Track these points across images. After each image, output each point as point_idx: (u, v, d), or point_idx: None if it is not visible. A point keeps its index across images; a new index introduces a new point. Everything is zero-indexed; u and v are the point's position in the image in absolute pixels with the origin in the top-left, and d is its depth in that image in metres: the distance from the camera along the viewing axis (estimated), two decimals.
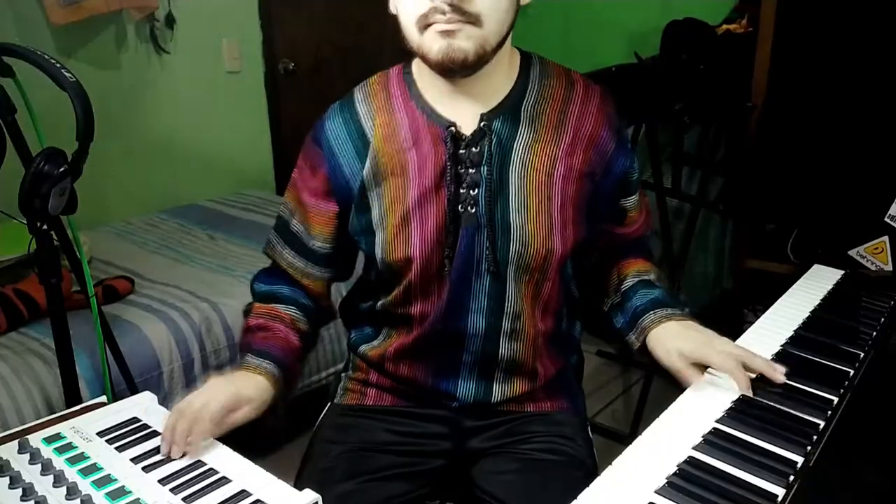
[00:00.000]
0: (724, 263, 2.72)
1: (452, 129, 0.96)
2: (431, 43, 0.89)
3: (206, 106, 2.86)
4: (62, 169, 1.05)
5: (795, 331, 1.07)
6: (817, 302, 1.18)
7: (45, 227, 1.12)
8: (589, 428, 1.16)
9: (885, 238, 1.78)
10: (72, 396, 1.27)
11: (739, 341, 1.03)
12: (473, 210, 0.97)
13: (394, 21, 0.96)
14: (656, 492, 0.72)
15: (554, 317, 1.08)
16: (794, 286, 1.24)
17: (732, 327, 2.31)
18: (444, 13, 0.86)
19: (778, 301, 1.18)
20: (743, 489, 0.72)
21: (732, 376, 0.91)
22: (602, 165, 1.01)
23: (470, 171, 0.97)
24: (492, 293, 1.01)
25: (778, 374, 0.92)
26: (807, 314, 1.13)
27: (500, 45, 0.93)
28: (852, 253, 1.84)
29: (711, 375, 0.95)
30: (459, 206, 0.97)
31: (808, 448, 0.79)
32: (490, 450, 1.09)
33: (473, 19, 0.87)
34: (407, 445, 1.09)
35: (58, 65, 1.09)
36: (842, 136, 1.95)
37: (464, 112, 0.97)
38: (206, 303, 1.88)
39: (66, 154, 1.08)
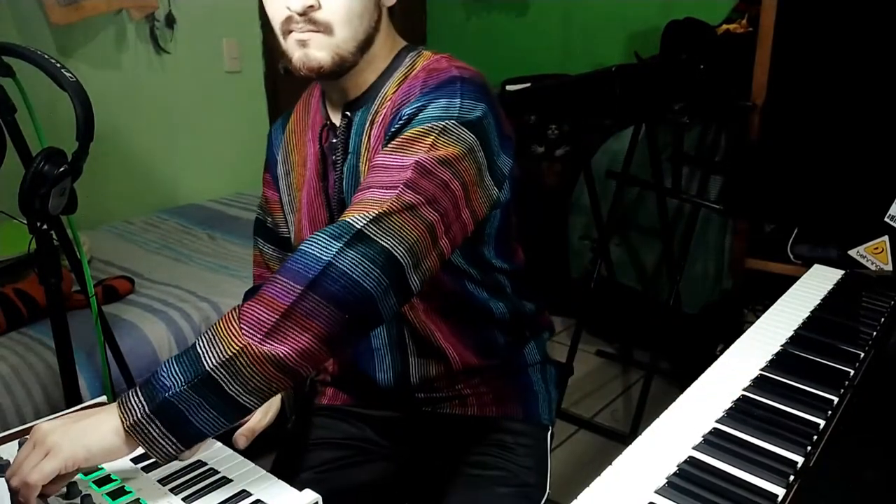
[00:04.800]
0: (724, 263, 2.72)
1: (327, 122, 1.02)
2: (292, 51, 0.91)
3: (206, 106, 2.86)
4: (62, 169, 1.05)
5: (795, 331, 1.07)
6: (817, 302, 1.18)
7: (45, 227, 1.12)
8: (549, 436, 1.12)
9: (885, 238, 1.78)
10: (72, 396, 1.27)
11: (739, 341, 1.03)
12: (343, 197, 1.02)
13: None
14: (656, 492, 0.72)
15: (444, 296, 1.03)
16: (794, 286, 1.24)
17: (732, 327, 2.31)
18: (297, 22, 0.88)
19: (778, 301, 1.18)
20: (743, 489, 0.72)
21: None
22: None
23: (338, 161, 1.01)
24: None
25: None
26: (807, 314, 1.13)
27: (365, 48, 0.93)
28: (852, 253, 1.83)
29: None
30: (335, 194, 1.02)
31: (808, 448, 0.79)
32: (432, 456, 1.10)
33: (323, 28, 0.89)
34: (352, 448, 1.10)
35: (58, 65, 1.09)
36: (842, 136, 1.95)
37: (337, 106, 1.02)
38: (206, 303, 1.88)
39: (66, 154, 1.08)
